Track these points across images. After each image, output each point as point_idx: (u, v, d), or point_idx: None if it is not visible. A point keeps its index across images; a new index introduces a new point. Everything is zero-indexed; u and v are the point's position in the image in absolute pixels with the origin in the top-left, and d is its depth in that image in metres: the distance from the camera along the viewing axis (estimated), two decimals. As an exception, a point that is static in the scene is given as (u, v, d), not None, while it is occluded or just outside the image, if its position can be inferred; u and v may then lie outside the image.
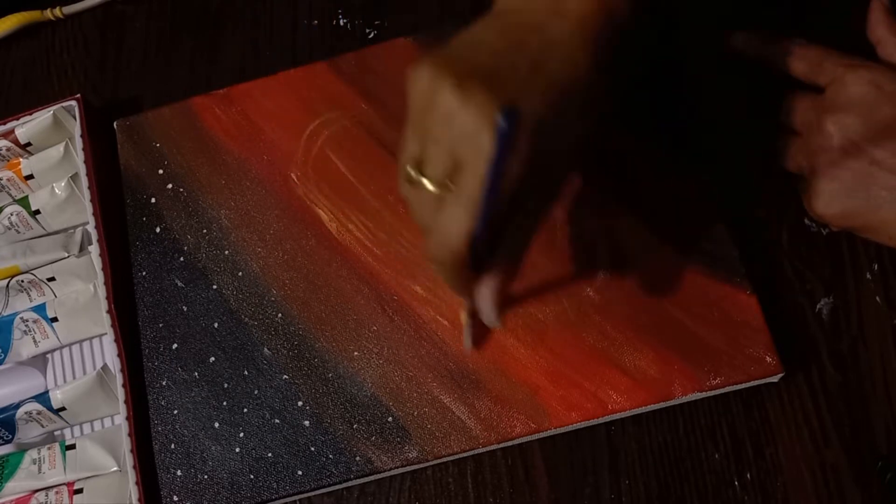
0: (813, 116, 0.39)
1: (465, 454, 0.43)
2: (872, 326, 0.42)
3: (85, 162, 0.49)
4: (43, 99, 0.57)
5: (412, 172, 0.31)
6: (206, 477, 0.44)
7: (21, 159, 0.51)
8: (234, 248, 0.48)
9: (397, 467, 0.42)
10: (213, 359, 0.46)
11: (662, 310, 0.42)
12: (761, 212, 0.45)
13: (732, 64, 0.46)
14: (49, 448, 0.46)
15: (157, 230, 0.49)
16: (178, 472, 0.44)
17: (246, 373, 0.45)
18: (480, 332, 0.43)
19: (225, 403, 0.45)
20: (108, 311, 0.46)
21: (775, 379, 0.41)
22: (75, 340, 0.49)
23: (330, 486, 0.43)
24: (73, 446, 0.46)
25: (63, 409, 0.46)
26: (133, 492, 0.43)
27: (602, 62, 0.31)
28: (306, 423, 0.44)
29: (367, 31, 0.53)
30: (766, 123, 0.44)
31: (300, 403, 0.44)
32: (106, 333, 0.47)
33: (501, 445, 0.42)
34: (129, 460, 0.44)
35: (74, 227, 0.51)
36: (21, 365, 0.49)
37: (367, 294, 0.45)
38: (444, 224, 0.30)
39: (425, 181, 0.31)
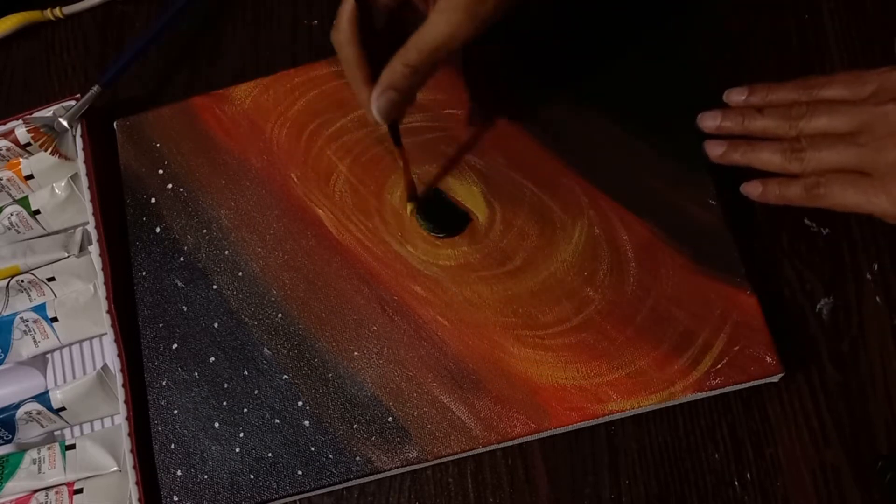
0: (866, 115, 0.39)
1: (465, 454, 0.42)
2: (872, 326, 0.42)
3: (85, 162, 0.49)
4: (43, 99, 0.57)
5: None
6: (206, 477, 0.44)
7: (21, 159, 0.51)
8: (234, 248, 0.48)
9: (397, 467, 0.42)
10: (213, 359, 0.46)
11: (662, 310, 0.42)
12: (761, 212, 0.45)
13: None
14: (49, 448, 0.46)
15: (157, 230, 0.49)
16: (178, 472, 0.44)
17: (246, 373, 0.45)
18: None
19: (225, 403, 0.45)
20: (108, 311, 0.46)
21: (775, 379, 0.41)
22: (75, 340, 0.49)
23: (330, 486, 0.43)
24: (73, 446, 0.46)
25: (63, 409, 0.46)
26: (133, 492, 0.43)
27: None
28: (306, 423, 0.44)
29: (367, 31, 0.53)
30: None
31: (300, 403, 0.44)
32: (106, 333, 0.47)
33: (501, 445, 0.42)
34: (129, 460, 0.44)
35: (74, 227, 0.51)
36: (21, 365, 0.49)
37: (367, 294, 0.45)
38: None
39: None
